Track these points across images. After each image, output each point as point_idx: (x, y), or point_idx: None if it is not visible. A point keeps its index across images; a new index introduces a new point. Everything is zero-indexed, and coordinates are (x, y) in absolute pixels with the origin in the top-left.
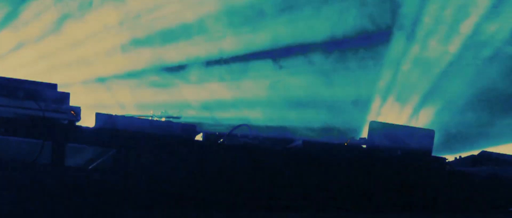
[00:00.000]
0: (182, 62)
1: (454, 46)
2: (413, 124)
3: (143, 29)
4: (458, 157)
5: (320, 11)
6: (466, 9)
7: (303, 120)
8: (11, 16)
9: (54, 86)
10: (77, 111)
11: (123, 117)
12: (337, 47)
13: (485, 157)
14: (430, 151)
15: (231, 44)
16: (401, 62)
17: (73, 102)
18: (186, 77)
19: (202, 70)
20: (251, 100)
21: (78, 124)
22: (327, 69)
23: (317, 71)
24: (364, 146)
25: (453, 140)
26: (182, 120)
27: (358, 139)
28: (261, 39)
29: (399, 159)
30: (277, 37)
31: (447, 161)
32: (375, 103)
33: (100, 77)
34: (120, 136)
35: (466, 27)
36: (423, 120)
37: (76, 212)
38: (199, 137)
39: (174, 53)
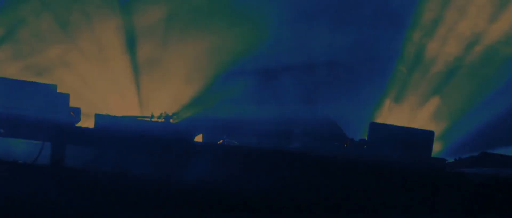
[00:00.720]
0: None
1: (455, 48)
2: (413, 125)
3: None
4: (458, 158)
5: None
6: (467, 10)
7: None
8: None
9: (54, 87)
10: (76, 112)
11: (122, 117)
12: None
13: (485, 158)
14: (429, 152)
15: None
16: (401, 63)
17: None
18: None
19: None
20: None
21: (77, 124)
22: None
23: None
24: (365, 147)
25: (453, 141)
26: (182, 121)
27: (358, 140)
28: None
29: (399, 160)
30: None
31: (447, 162)
32: (375, 104)
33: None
34: (120, 136)
35: (468, 28)
36: (422, 120)
37: (76, 212)
38: (198, 138)
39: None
